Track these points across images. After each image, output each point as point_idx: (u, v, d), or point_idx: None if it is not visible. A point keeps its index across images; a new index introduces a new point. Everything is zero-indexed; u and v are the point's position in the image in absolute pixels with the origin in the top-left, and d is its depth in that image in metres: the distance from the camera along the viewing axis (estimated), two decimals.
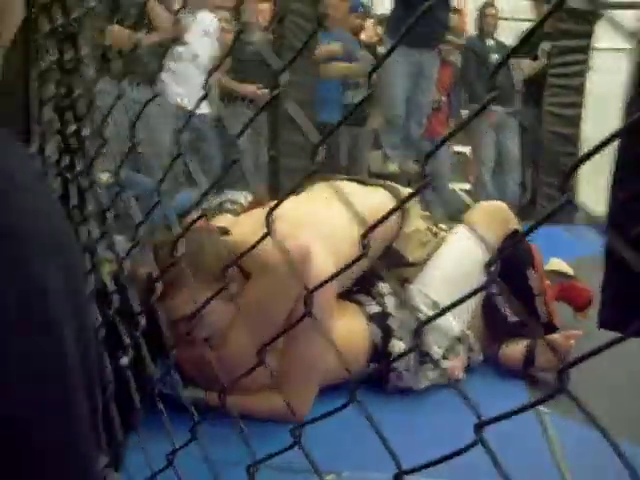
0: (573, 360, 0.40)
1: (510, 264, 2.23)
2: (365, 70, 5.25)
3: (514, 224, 2.41)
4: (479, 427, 0.43)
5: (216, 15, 4.81)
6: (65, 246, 0.47)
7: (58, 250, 0.46)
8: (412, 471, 0.47)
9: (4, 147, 0.46)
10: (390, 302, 2.13)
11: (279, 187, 4.25)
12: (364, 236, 0.48)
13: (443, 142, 0.48)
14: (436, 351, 2.08)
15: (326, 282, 0.58)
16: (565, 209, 0.41)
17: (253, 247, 0.73)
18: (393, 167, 5.25)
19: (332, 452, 1.41)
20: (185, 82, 4.14)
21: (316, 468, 0.55)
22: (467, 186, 6.67)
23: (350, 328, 2.02)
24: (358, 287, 2.18)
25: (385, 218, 0.50)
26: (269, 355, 1.71)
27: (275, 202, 0.54)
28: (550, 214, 0.41)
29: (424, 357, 2.07)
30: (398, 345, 2.06)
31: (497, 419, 0.42)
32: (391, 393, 2.06)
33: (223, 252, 1.72)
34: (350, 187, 2.16)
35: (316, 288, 0.56)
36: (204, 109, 4.37)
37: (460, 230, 2.32)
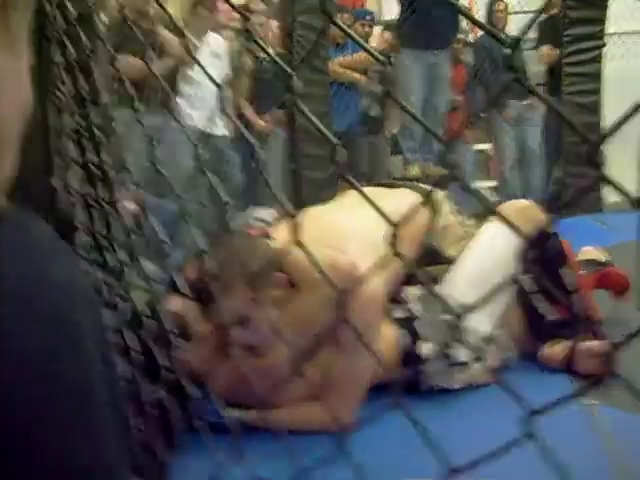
0: (617, 343, 0.39)
1: (543, 264, 2.22)
2: (367, 61, 5.26)
3: (543, 223, 2.35)
4: (527, 420, 0.42)
5: (223, 35, 4.84)
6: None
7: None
8: (462, 470, 0.46)
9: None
10: (416, 307, 2.13)
11: (302, 200, 4.26)
12: (394, 237, 0.47)
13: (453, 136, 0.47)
14: (464, 353, 2.06)
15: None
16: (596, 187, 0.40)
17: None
18: (414, 171, 5.24)
19: (376, 459, 1.39)
20: (199, 105, 4.17)
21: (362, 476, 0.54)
22: (491, 183, 6.63)
23: (381, 334, 1.99)
24: None
25: (413, 214, 0.49)
26: (312, 367, 1.72)
27: (306, 210, 0.54)
28: (584, 190, 0.40)
29: (452, 360, 2.05)
30: (426, 347, 2.05)
31: (546, 409, 0.40)
32: (427, 393, 2.04)
33: (272, 257, 1.72)
34: (378, 191, 2.17)
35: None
36: (222, 130, 4.40)
37: (489, 227, 2.28)
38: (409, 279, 2.15)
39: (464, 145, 5.99)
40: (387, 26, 6.08)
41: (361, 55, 5.23)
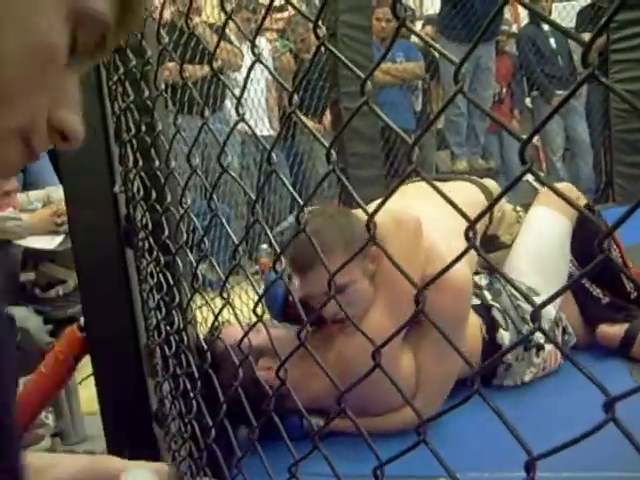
0: None
1: (589, 242, 2.22)
2: (417, 72, 5.25)
3: (584, 200, 2.40)
4: (609, 405, 0.43)
5: (266, 37, 4.89)
6: None
7: None
8: (544, 456, 0.47)
9: None
10: (488, 295, 2.13)
11: (352, 199, 4.26)
12: (471, 228, 0.48)
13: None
14: (538, 336, 2.06)
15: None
16: None
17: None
18: (462, 165, 5.22)
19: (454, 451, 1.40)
20: (246, 107, 4.22)
21: (446, 467, 0.55)
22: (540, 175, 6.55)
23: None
24: None
25: (491, 206, 0.50)
26: (403, 349, 1.71)
27: (381, 200, 0.55)
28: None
29: (528, 344, 2.05)
30: (506, 336, 2.05)
31: (629, 394, 0.41)
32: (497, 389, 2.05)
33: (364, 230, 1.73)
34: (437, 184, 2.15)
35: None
36: (268, 131, 4.44)
37: (537, 212, 2.30)
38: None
39: (511, 137, 5.94)
40: (427, 20, 6.06)
41: (407, 65, 5.21)
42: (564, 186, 2.45)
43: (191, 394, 1.03)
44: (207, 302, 1.05)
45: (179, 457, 1.20)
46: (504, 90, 6.00)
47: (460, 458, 1.30)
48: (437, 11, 5.63)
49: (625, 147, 5.21)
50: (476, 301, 2.10)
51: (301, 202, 0.64)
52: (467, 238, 0.49)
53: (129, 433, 1.73)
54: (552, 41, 5.61)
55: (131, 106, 1.23)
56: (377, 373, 0.61)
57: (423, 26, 5.93)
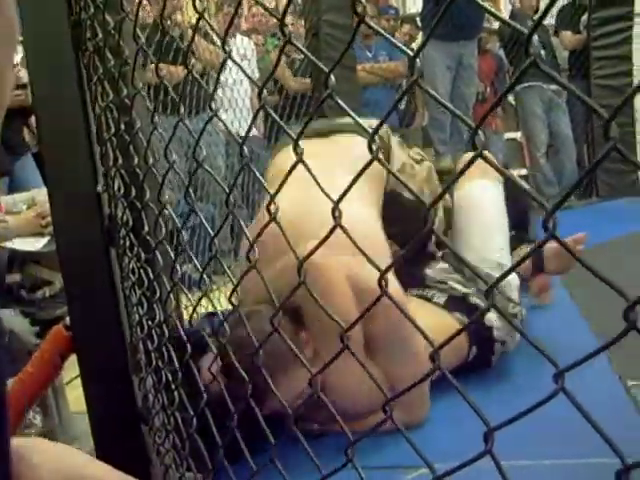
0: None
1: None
2: (400, 70, 5.28)
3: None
4: (558, 376, 0.45)
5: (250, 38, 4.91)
6: None
7: None
8: (500, 426, 0.49)
9: None
10: (453, 284, 2.15)
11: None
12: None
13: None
14: (511, 306, 2.15)
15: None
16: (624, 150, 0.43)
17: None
18: (446, 162, 5.24)
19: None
20: (229, 107, 4.24)
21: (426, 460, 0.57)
22: (524, 171, 6.61)
23: (443, 325, 1.95)
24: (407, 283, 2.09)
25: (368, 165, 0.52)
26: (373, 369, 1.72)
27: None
28: (596, 162, 0.43)
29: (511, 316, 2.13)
30: (492, 316, 2.07)
31: (574, 366, 0.44)
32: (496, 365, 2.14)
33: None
34: (322, 151, 1.93)
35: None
36: (253, 131, 4.46)
37: (475, 185, 2.31)
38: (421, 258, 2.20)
39: (495, 134, 5.98)
40: (406, 19, 6.10)
41: (390, 65, 5.24)
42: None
43: (172, 386, 1.05)
44: (188, 297, 1.07)
45: (163, 450, 1.21)
46: (488, 89, 6.04)
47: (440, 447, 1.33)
48: (419, 10, 5.67)
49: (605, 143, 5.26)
50: (441, 297, 2.12)
51: (271, 193, 0.66)
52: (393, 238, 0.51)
53: (116, 431, 1.74)
54: (535, 37, 5.65)
55: (110, 105, 1.25)
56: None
57: (401, 24, 5.96)
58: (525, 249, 2.50)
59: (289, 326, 1.62)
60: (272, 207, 0.65)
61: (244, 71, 0.73)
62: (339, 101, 0.56)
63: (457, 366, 1.99)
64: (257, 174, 0.73)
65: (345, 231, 0.57)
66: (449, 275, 2.18)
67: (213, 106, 0.78)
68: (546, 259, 2.42)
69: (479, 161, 0.48)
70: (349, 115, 0.55)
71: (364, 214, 1.86)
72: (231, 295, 0.79)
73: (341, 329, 0.60)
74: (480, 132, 0.48)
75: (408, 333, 1.68)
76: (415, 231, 0.51)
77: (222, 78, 4.26)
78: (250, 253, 0.71)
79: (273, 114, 0.67)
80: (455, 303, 2.10)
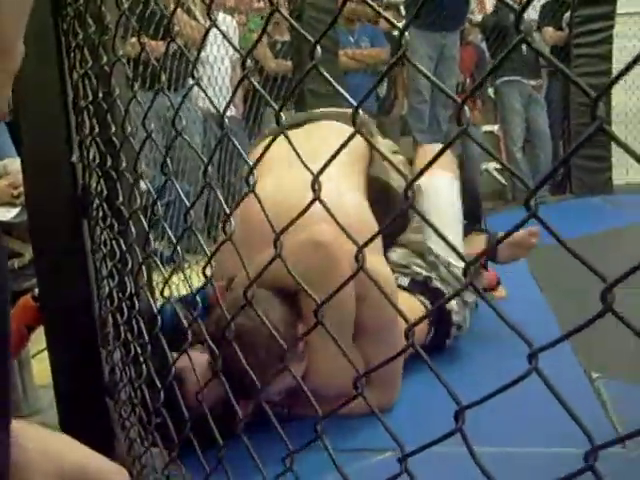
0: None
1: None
2: (382, 56, 5.27)
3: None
4: (532, 356, 0.45)
5: (233, 17, 4.87)
6: None
7: None
8: (471, 405, 0.49)
9: None
10: (416, 268, 2.21)
11: None
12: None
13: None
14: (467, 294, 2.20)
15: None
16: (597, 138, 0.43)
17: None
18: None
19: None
20: (209, 85, 4.20)
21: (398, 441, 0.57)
22: (499, 165, 6.64)
23: (409, 306, 2.01)
24: None
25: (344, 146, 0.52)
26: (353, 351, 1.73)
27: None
28: (582, 141, 0.43)
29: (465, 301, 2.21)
30: (453, 302, 2.16)
31: (552, 344, 0.44)
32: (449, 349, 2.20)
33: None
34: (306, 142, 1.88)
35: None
36: (231, 110, 4.43)
37: (436, 179, 2.33)
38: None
39: (472, 126, 5.99)
40: (388, 5, 6.07)
41: (372, 51, 5.23)
42: (434, 147, 2.65)
43: (141, 359, 1.05)
44: (161, 271, 1.06)
45: (128, 424, 1.21)
46: (468, 80, 6.05)
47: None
48: None
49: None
50: (404, 280, 2.16)
51: (250, 164, 0.66)
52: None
53: (81, 404, 1.73)
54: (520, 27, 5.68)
55: (89, 72, 1.23)
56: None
57: (385, 10, 5.93)
58: (476, 236, 2.57)
59: (289, 318, 1.59)
60: (250, 179, 0.64)
61: (229, 40, 0.72)
62: (324, 72, 0.56)
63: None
64: (236, 144, 0.72)
65: (324, 205, 0.57)
66: (411, 259, 2.22)
67: (196, 76, 0.77)
68: (499, 249, 2.48)
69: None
70: (332, 85, 0.55)
71: (351, 192, 1.86)
72: (204, 268, 0.78)
73: (335, 312, 0.59)
74: (465, 108, 0.48)
75: (392, 317, 1.69)
76: (398, 219, 0.50)
77: (202, 54, 4.22)
78: (228, 228, 0.71)
79: (256, 84, 0.66)
80: (417, 286, 2.16)
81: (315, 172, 0.58)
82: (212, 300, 1.58)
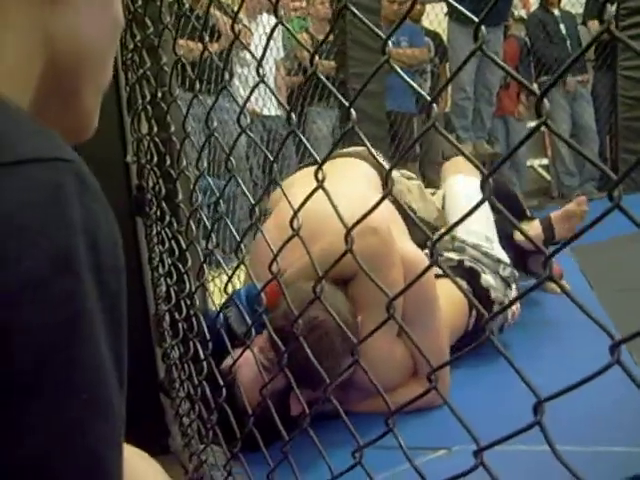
0: None
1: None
2: (425, 56, 5.25)
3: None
4: (614, 347, 0.45)
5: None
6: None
7: None
8: (551, 398, 0.49)
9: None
10: (450, 254, 2.24)
11: None
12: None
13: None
14: (507, 272, 2.23)
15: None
16: None
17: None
18: (467, 149, 5.22)
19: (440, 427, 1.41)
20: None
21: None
22: (545, 161, 6.55)
23: (449, 291, 1.98)
24: None
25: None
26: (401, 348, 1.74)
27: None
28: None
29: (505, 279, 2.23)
30: (488, 278, 2.18)
31: (632, 337, 0.43)
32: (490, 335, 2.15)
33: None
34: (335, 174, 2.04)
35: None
36: (276, 111, 4.44)
37: (458, 179, 2.44)
38: None
39: (517, 122, 5.92)
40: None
41: (415, 51, 5.20)
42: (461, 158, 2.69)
43: (201, 355, 1.06)
44: (225, 268, 1.07)
45: (187, 420, 1.22)
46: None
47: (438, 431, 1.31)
48: None
49: (631, 135, 5.21)
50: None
51: (319, 159, 0.66)
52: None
53: (136, 402, 1.76)
54: (562, 27, 5.60)
55: (147, 73, 1.24)
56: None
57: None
58: (529, 223, 2.59)
59: (352, 308, 1.61)
60: (319, 175, 0.65)
61: (292, 34, 0.72)
62: (361, 134, 0.56)
63: (459, 340, 2.02)
64: (303, 138, 0.73)
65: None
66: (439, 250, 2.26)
67: (260, 71, 0.77)
68: (556, 227, 2.50)
69: (463, 160, 0.48)
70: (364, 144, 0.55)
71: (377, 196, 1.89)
72: (270, 265, 0.79)
73: (388, 298, 0.60)
74: (545, 100, 0.47)
75: (434, 307, 1.74)
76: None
77: (247, 56, 4.25)
78: (295, 224, 0.71)
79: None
80: (453, 271, 2.17)
81: (355, 204, 0.58)
82: (269, 297, 1.60)
